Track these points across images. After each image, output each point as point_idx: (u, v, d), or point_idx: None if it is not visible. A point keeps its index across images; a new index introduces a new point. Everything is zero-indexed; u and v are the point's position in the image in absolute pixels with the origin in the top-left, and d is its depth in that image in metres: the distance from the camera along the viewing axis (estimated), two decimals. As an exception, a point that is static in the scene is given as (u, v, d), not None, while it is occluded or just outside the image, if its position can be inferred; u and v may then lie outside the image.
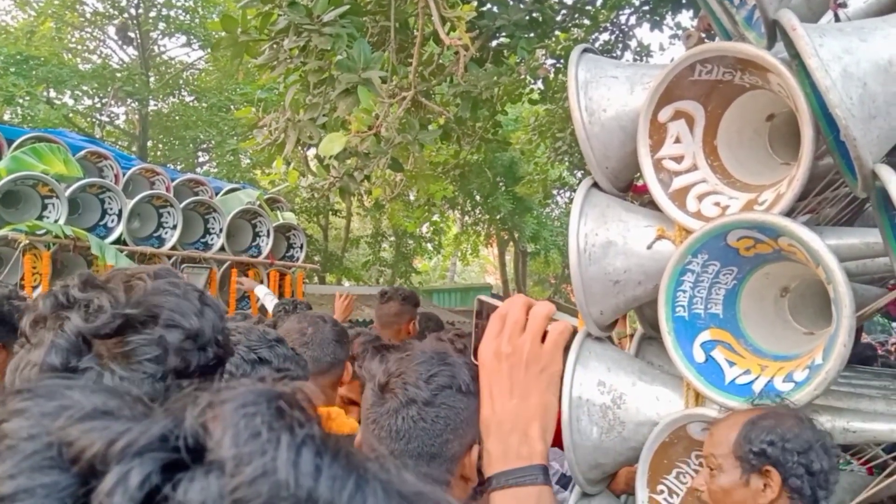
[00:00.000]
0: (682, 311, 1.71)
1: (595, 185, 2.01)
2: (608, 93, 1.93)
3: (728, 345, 1.69)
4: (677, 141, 1.83)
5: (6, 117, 13.61)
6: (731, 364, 1.66)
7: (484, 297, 0.97)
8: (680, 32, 8.20)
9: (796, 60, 1.62)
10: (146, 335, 0.77)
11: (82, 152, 5.84)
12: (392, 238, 18.53)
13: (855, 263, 1.84)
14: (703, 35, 2.38)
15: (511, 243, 19.83)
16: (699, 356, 1.70)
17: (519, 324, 0.84)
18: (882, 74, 1.44)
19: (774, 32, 1.67)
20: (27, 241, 4.99)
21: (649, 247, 1.80)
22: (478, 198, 15.58)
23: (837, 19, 1.81)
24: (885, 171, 1.44)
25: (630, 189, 2.13)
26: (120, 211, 5.67)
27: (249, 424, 0.31)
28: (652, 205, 1.92)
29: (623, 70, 1.99)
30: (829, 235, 1.63)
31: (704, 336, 1.73)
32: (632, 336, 2.43)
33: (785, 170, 1.79)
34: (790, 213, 1.68)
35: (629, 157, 1.91)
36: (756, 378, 1.63)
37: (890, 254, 1.58)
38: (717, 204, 1.79)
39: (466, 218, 18.69)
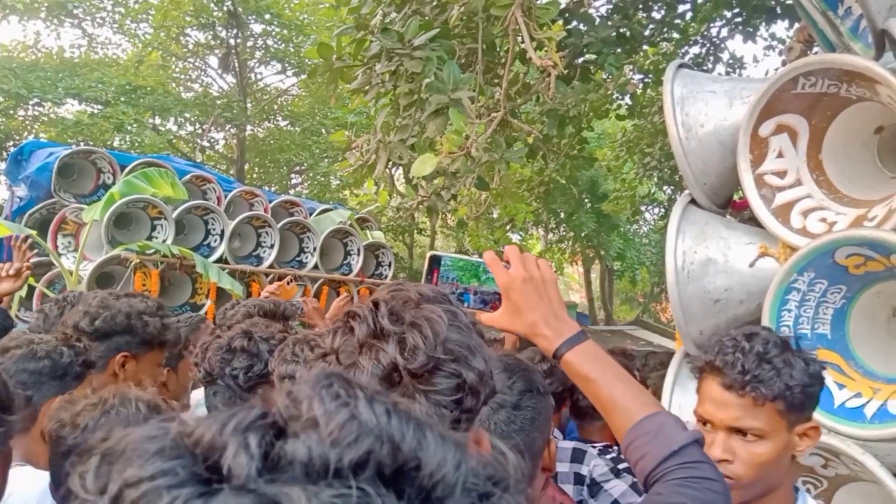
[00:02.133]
0: (787, 331, 1.65)
1: (693, 201, 1.98)
2: (706, 108, 1.91)
3: (837, 367, 1.63)
4: (780, 155, 1.79)
5: (115, 143, 14.59)
6: (841, 387, 1.60)
7: (435, 252, 1.27)
8: (774, 43, 7.93)
9: (908, 71, 1.56)
10: (450, 375, 0.81)
11: (188, 176, 6.20)
12: (475, 256, 18.57)
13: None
14: (804, 47, 2.31)
15: (597, 261, 19.50)
16: (806, 378, 1.64)
17: (529, 259, 1.20)
18: None
19: (883, 42, 1.61)
20: (138, 260, 5.34)
21: (752, 264, 1.76)
22: (562, 215, 15.43)
23: (953, 26, 1.73)
24: None
25: (729, 205, 2.08)
26: (222, 231, 5.97)
27: (329, 391, 0.39)
28: (753, 221, 1.88)
29: (721, 84, 1.97)
30: (949, 252, 1.54)
31: (811, 357, 1.67)
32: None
33: (895, 184, 1.71)
34: (904, 229, 1.61)
35: (728, 172, 1.88)
36: (868, 401, 1.56)
37: None
38: (824, 220, 1.73)
39: (551, 235, 18.53)
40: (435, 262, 1.28)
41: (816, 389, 1.22)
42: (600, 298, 20.50)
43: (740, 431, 1.23)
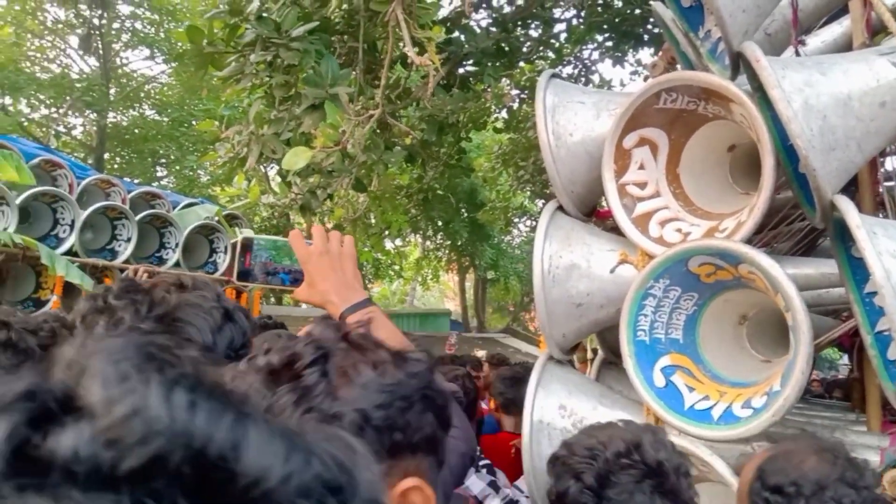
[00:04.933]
0: (643, 335, 1.71)
1: (560, 208, 2.02)
2: (575, 118, 1.95)
3: (688, 370, 1.70)
4: (641, 167, 1.85)
5: (-44, 123, 13.20)
6: (691, 389, 1.67)
7: (247, 236, 1.32)
8: (640, 69, 8.43)
9: (759, 92, 1.66)
10: None
11: (36, 160, 5.66)
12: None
13: (810, 294, 1.88)
14: (668, 66, 2.43)
15: (471, 270, 19.87)
16: (659, 381, 1.70)
17: (332, 237, 1.29)
18: (841, 108, 1.48)
19: (738, 64, 1.71)
20: (-28, 249, 4.80)
21: (612, 270, 1.81)
22: (439, 223, 15.60)
23: (798, 55, 1.87)
24: (843, 202, 1.47)
25: (594, 213, 2.14)
26: (73, 221, 5.49)
27: (118, 370, 0.30)
28: (615, 230, 1.93)
29: (590, 96, 2.02)
30: (788, 265, 1.65)
31: (665, 361, 1.74)
32: (591, 360, 2.43)
33: (745, 199, 1.82)
34: (748, 243, 1.71)
35: (594, 181, 1.93)
36: (715, 404, 1.63)
37: (846, 284, 1.62)
38: (679, 230, 1.81)
39: (428, 243, 18.69)
40: (247, 244, 1.33)
41: None
42: (474, 307, 20.89)
43: None
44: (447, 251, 18.22)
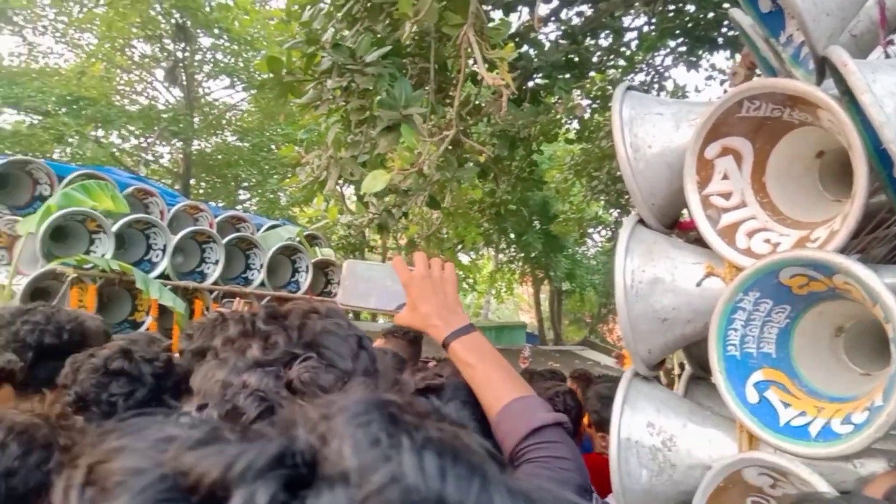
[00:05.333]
0: (733, 350, 1.67)
1: (640, 221, 1.99)
2: (653, 129, 1.93)
3: (782, 385, 1.65)
4: (725, 177, 1.82)
5: (56, 155, 14.13)
6: (787, 405, 1.61)
7: (351, 260, 1.39)
8: (715, 73, 8.21)
9: (846, 97, 1.61)
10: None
11: (129, 189, 6.02)
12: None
13: (912, 303, 1.79)
14: (748, 72, 2.38)
15: (546, 282, 19.71)
16: (752, 397, 1.65)
17: (433, 262, 1.32)
18: (938, 110, 1.42)
19: (823, 69, 1.66)
20: (75, 275, 5.13)
21: (698, 284, 1.77)
22: (512, 236, 15.57)
23: (887, 56, 1.79)
24: (945, 208, 1.41)
25: (676, 226, 2.11)
26: (164, 246, 5.80)
27: (367, 433, 0.30)
28: (699, 242, 1.90)
29: (668, 107, 1.99)
30: (885, 274, 1.58)
31: (757, 376, 1.69)
32: (679, 375, 2.38)
33: (837, 207, 1.76)
34: (842, 251, 1.65)
35: (676, 193, 1.90)
36: (812, 420, 1.57)
37: (951, 293, 1.53)
38: (768, 241, 1.76)
39: (501, 256, 18.67)
40: (352, 268, 1.39)
41: None
42: (549, 319, 20.70)
43: None
44: (521, 263, 18.15)
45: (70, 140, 14.13)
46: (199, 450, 0.30)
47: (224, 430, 0.32)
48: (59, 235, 5.50)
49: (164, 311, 5.59)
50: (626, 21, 6.81)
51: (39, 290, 5.25)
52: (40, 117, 14.36)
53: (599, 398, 3.00)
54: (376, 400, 0.33)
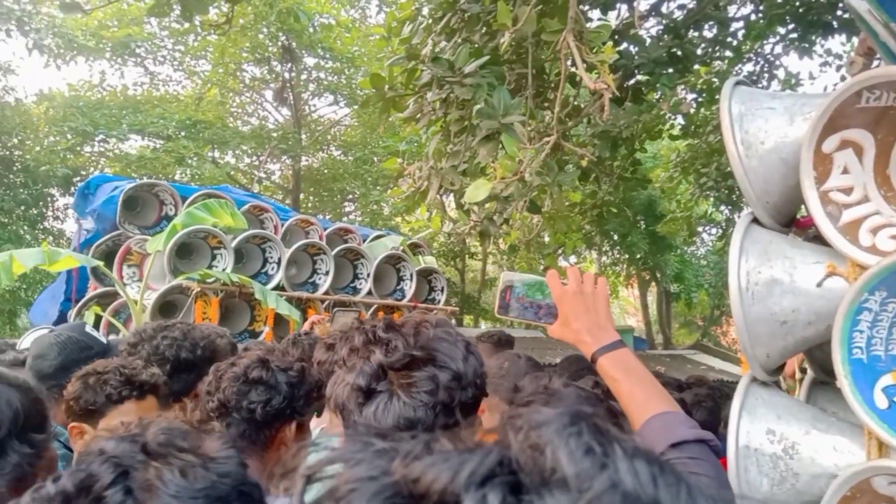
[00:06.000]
0: (859, 353, 1.58)
1: (755, 220, 1.92)
2: (765, 125, 1.86)
3: (916, 391, 1.55)
4: (845, 172, 1.72)
5: (177, 176, 15.11)
6: (922, 412, 1.51)
7: (508, 272, 1.45)
8: (831, 59, 7.71)
9: (982, 80, 1.49)
10: (425, 372, 0.99)
11: (246, 206, 6.37)
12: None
13: None
14: (866, 59, 2.24)
15: (653, 284, 19.10)
16: (881, 402, 1.56)
17: (586, 277, 1.36)
18: None
19: (954, 52, 1.55)
20: (199, 289, 5.49)
21: (819, 284, 1.69)
22: (615, 237, 15.21)
23: None
24: None
25: (793, 224, 2.02)
26: (279, 259, 6.10)
27: (580, 442, 0.32)
28: (818, 240, 1.81)
29: (780, 101, 1.92)
30: None
31: (886, 380, 1.59)
32: (800, 380, 2.27)
33: (974, 198, 1.63)
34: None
35: (791, 190, 1.82)
36: (952, 428, 1.47)
37: None
38: (894, 237, 1.65)
39: (604, 258, 18.28)
40: (509, 284, 1.44)
41: None
42: (658, 322, 20.02)
43: None
44: (625, 265, 17.68)
45: (190, 162, 15.06)
46: (425, 459, 0.32)
47: (440, 441, 0.35)
48: (184, 252, 5.90)
49: (279, 321, 5.88)
50: (732, 10, 6.53)
51: (167, 304, 5.65)
52: (162, 141, 15.44)
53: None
54: (579, 412, 0.35)
